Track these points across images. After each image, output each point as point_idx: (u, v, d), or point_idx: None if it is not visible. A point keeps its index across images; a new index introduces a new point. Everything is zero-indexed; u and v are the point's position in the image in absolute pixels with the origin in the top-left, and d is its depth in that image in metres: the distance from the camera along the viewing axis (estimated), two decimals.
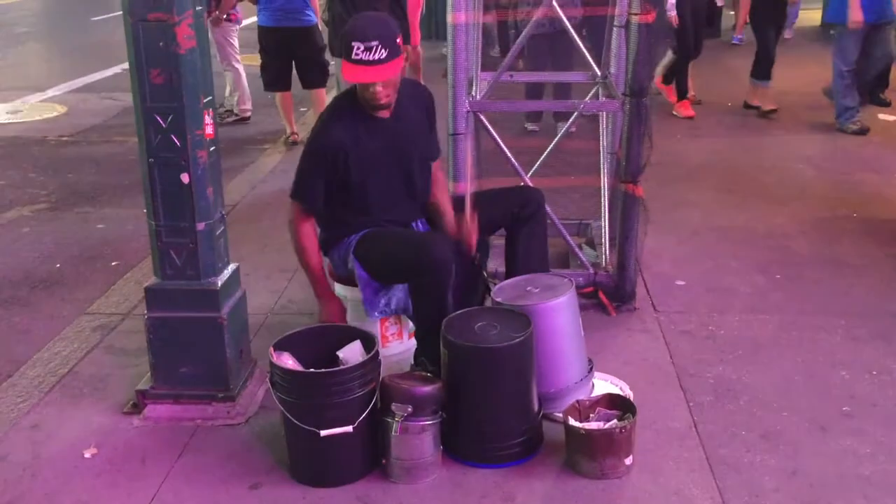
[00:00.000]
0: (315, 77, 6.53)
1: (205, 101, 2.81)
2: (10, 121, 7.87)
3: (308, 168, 3.04)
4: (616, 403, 2.78)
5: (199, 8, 2.74)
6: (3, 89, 8.46)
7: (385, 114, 3.00)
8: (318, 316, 3.15)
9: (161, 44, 2.67)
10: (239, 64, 7.56)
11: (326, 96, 6.62)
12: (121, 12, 2.78)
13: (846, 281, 4.06)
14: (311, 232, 3.08)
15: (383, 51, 2.79)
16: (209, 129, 2.84)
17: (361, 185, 3.03)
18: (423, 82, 6.55)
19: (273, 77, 6.50)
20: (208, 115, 2.83)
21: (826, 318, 3.67)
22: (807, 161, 6.00)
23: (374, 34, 2.80)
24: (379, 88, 2.87)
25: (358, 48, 2.79)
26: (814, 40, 10.63)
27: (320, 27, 6.43)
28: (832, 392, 3.12)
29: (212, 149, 2.88)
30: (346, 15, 5.61)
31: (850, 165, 5.90)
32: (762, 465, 2.71)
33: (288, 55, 6.41)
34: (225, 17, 7.31)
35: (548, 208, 3.48)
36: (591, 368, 3.03)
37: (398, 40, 2.85)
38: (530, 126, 6.67)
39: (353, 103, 3.00)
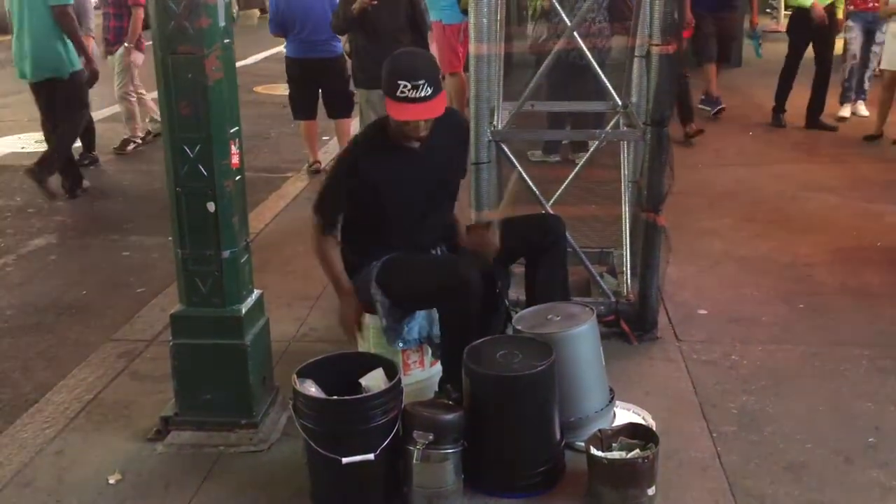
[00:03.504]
0: (341, 107, 6.62)
1: (231, 131, 2.86)
2: (39, 149, 7.99)
3: (331, 187, 3.13)
4: (638, 433, 2.76)
5: (227, 41, 2.79)
6: (33, 119, 8.59)
7: (417, 144, 3.03)
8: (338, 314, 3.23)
9: (189, 76, 2.73)
10: (133, 97, 7.67)
11: (351, 126, 6.71)
12: (150, 43, 2.84)
13: (871, 311, 4.03)
14: (330, 244, 3.14)
15: (429, 88, 2.82)
16: (235, 159, 2.89)
17: (385, 213, 3.06)
18: (464, 107, 6.61)
19: (300, 107, 6.61)
20: (234, 145, 2.88)
21: (850, 349, 3.64)
22: (830, 190, 5.97)
23: (421, 72, 2.83)
24: (421, 124, 2.91)
25: (405, 86, 2.81)
26: None
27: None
28: (857, 423, 3.09)
29: (237, 178, 2.92)
30: (369, 46, 5.70)
31: (873, 194, 5.87)
32: (786, 496, 2.69)
33: (314, 85, 6.52)
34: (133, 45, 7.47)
35: (569, 236, 3.49)
36: (612, 397, 3.02)
37: (440, 75, 2.90)
38: (552, 157, 6.63)
39: (383, 133, 3.03)
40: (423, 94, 2.82)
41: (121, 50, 7.50)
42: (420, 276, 3.01)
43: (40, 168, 6.10)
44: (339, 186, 3.10)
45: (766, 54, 8.85)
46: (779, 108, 7.88)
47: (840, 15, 7.69)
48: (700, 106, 7.87)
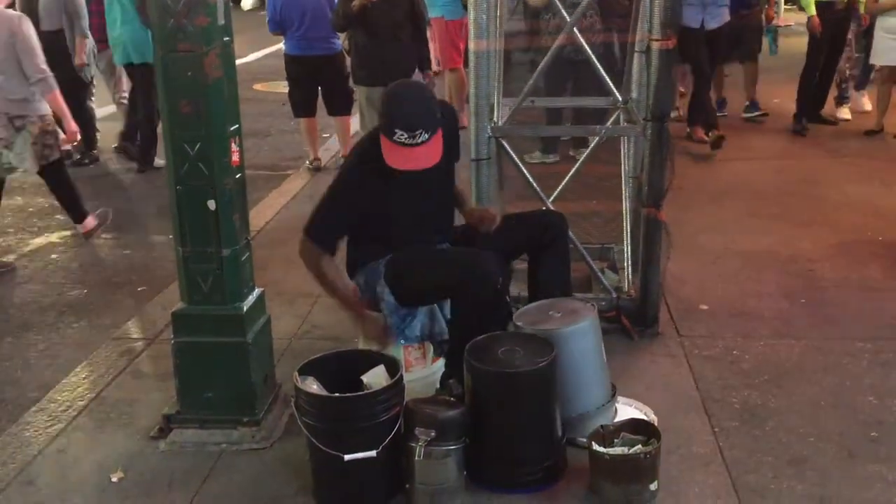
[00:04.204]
0: (340, 105, 6.62)
1: (231, 129, 2.86)
2: None
3: (328, 211, 3.05)
4: (640, 429, 2.77)
5: (226, 39, 2.79)
6: None
7: None
8: (362, 339, 3.14)
9: (189, 74, 2.72)
10: (126, 97, 7.64)
11: (351, 123, 6.71)
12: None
13: (872, 305, 4.03)
14: (328, 261, 3.06)
15: (426, 134, 2.81)
16: (235, 157, 2.89)
17: (386, 218, 3.06)
18: (463, 103, 6.61)
19: (299, 104, 6.61)
20: (234, 142, 2.88)
21: (852, 343, 3.64)
22: (831, 185, 5.96)
23: (419, 121, 2.80)
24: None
25: (401, 135, 2.79)
26: None
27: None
28: (859, 417, 3.09)
29: (238, 176, 2.92)
30: (368, 44, 5.69)
31: (874, 189, 5.87)
32: (789, 491, 2.69)
33: (313, 83, 6.52)
34: None
35: (570, 232, 3.49)
36: (613, 393, 3.02)
37: (438, 115, 2.88)
38: (550, 158, 6.55)
39: (378, 145, 2.94)
40: (419, 141, 2.81)
41: (109, 50, 7.47)
42: (435, 268, 3.01)
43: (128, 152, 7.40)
44: (336, 213, 3.04)
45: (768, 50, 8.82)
46: (801, 114, 7.50)
47: (862, 10, 7.49)
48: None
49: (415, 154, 2.83)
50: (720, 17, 6.83)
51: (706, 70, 6.97)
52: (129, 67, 7.00)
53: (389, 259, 3.07)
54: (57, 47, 6.88)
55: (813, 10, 7.13)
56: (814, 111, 7.64)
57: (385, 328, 3.08)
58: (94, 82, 7.45)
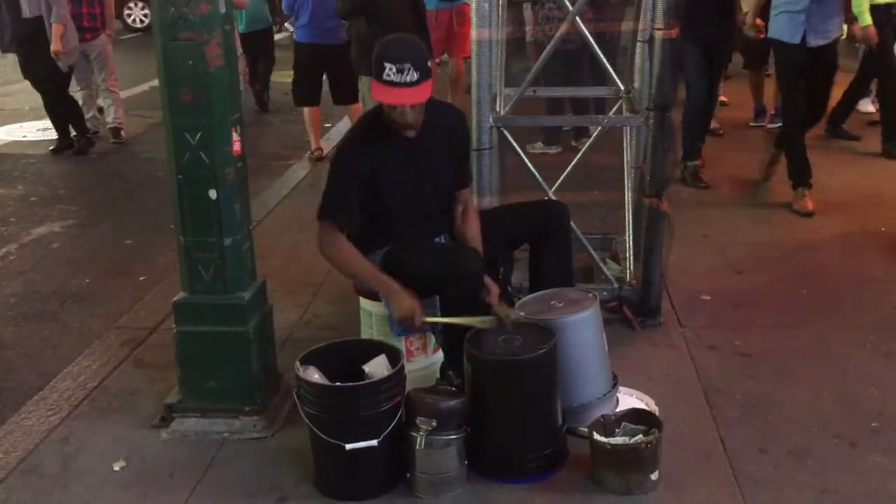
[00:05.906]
0: (345, 94, 6.63)
1: (232, 118, 2.85)
2: (41, 138, 8.01)
3: (336, 187, 3.04)
4: (642, 418, 2.77)
5: (227, 27, 2.78)
6: (35, 107, 8.60)
7: (411, 133, 3.01)
8: (393, 313, 2.98)
9: (190, 62, 2.71)
10: (116, 88, 7.77)
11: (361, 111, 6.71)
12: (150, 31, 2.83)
13: (875, 296, 4.02)
14: (346, 243, 3.04)
15: (415, 73, 2.79)
16: (237, 146, 2.88)
17: (386, 202, 3.06)
18: (459, 93, 6.58)
19: (304, 92, 6.63)
20: (236, 132, 2.87)
21: (854, 334, 3.64)
22: (832, 175, 5.94)
23: (407, 56, 2.80)
24: (407, 110, 2.87)
25: (390, 69, 2.78)
26: None
27: None
28: (861, 408, 3.09)
29: (239, 165, 2.92)
30: (370, 34, 5.67)
31: (876, 180, 5.85)
32: (790, 481, 2.69)
33: (321, 71, 6.54)
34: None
35: (572, 223, 3.48)
36: (615, 383, 3.02)
37: (429, 63, 2.88)
38: (553, 149, 6.54)
39: (378, 122, 3.01)
40: (408, 79, 2.79)
41: (101, 38, 7.45)
42: (422, 264, 3.00)
43: (259, 99, 8.96)
44: (345, 185, 3.03)
45: None
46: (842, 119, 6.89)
47: None
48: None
49: (403, 92, 2.82)
50: (829, 31, 5.10)
51: (801, 107, 5.26)
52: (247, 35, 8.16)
53: (387, 251, 3.07)
54: (38, 34, 6.83)
55: (868, 20, 5.84)
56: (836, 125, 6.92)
57: (416, 306, 2.95)
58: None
